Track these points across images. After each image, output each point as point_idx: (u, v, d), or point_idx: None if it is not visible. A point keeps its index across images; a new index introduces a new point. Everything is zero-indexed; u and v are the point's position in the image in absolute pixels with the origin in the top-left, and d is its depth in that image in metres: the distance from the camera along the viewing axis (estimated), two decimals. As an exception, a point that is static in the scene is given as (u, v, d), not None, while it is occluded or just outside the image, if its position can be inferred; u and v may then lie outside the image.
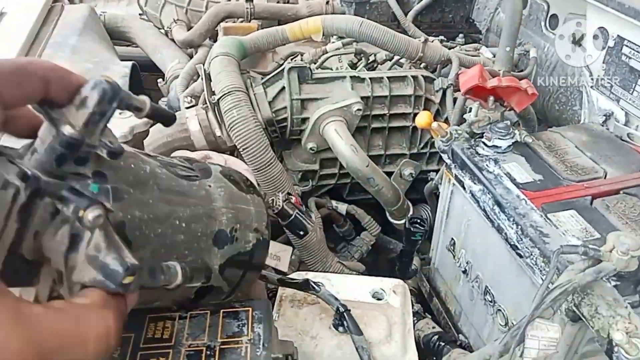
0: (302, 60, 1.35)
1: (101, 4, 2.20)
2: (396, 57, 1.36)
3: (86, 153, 0.36)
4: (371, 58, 1.39)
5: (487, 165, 0.90)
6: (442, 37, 1.51)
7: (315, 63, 1.34)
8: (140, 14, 1.93)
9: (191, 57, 1.64)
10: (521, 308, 0.82)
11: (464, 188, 0.93)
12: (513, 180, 0.86)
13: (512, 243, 0.80)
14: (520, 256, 0.78)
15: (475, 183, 0.89)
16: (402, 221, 1.17)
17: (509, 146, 0.93)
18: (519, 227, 0.78)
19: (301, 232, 0.90)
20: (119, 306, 0.36)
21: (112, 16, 1.92)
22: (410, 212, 1.18)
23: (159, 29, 1.84)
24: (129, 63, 1.52)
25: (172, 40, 1.74)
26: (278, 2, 1.77)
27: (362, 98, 1.15)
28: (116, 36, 1.88)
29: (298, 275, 0.78)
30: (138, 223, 0.40)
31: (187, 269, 0.42)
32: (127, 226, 0.39)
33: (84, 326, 0.32)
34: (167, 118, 0.43)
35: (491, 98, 0.99)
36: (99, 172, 0.37)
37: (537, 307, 0.62)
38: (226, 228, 0.51)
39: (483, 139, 0.95)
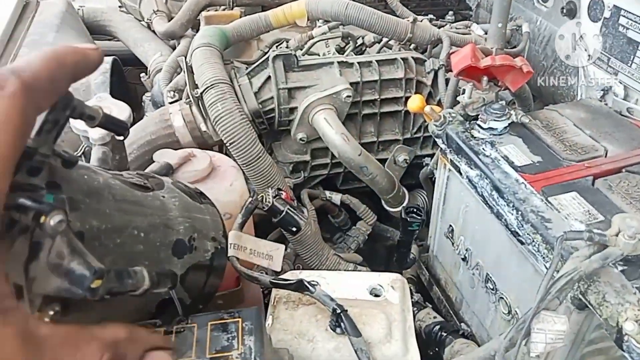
0: (287, 47, 1.30)
1: (80, -3, 2.13)
2: (385, 39, 1.31)
3: (39, 163, 0.34)
4: (359, 41, 1.34)
5: (483, 148, 0.86)
6: (431, 16, 1.46)
7: (301, 49, 1.30)
8: (119, 7, 1.87)
9: (174, 48, 1.58)
10: (524, 296, 0.79)
11: (461, 173, 0.90)
12: (511, 164, 0.82)
13: (512, 229, 0.77)
14: (522, 243, 0.75)
15: (471, 168, 0.86)
16: (398, 209, 1.14)
17: (505, 127, 0.90)
18: (519, 212, 0.74)
19: (294, 229, 0.87)
20: (121, 356, 0.35)
21: (91, 10, 1.86)
22: (406, 200, 1.14)
23: (140, 21, 1.78)
24: (110, 58, 1.47)
25: (154, 32, 1.69)
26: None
27: (351, 84, 1.11)
28: (96, 31, 1.83)
29: (292, 275, 0.75)
30: (96, 233, 0.39)
31: (153, 273, 0.42)
32: (86, 236, 0.38)
33: (79, 357, 0.32)
34: (120, 128, 0.43)
35: (485, 78, 0.95)
36: (53, 182, 0.36)
37: (542, 298, 0.59)
38: (184, 237, 0.50)
39: (478, 122, 0.91)
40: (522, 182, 0.78)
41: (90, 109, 0.38)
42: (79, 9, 1.81)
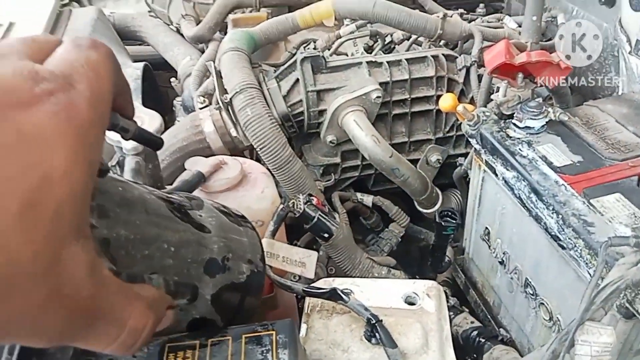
0: (315, 47, 1.29)
1: (110, 4, 2.17)
2: (414, 36, 1.29)
3: None
4: (387, 39, 1.32)
5: (519, 149, 0.83)
6: (461, 10, 1.42)
7: (329, 49, 1.29)
8: (149, 12, 1.89)
9: (203, 51, 1.60)
10: (566, 302, 0.76)
11: (496, 174, 0.87)
12: (550, 164, 0.79)
13: (552, 233, 0.74)
14: (563, 248, 0.72)
15: (508, 169, 0.83)
16: (432, 210, 1.12)
17: (543, 126, 0.87)
18: (560, 216, 0.72)
19: (325, 235, 0.87)
20: (160, 314, 0.37)
21: (122, 16, 1.89)
22: (440, 200, 1.12)
23: (169, 25, 1.80)
24: (141, 64, 1.49)
25: (183, 36, 1.70)
26: (287, -13, 1.71)
27: (380, 84, 1.09)
28: (127, 36, 1.86)
29: (325, 283, 0.74)
30: (124, 242, 0.39)
31: (171, 282, 0.42)
32: (112, 244, 0.38)
33: (128, 312, 0.33)
34: (154, 142, 0.43)
35: (520, 75, 0.92)
36: None
37: (586, 308, 0.57)
38: (217, 257, 0.49)
39: (514, 120, 0.88)
40: (562, 184, 0.76)
41: (125, 121, 0.39)
42: (109, 16, 1.84)
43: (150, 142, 0.44)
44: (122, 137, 0.40)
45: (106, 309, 0.31)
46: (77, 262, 0.28)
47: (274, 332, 0.53)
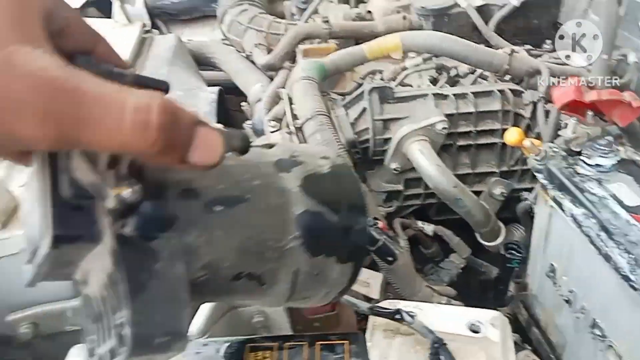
0: (381, 78, 1.34)
1: (187, 32, 2.33)
2: (479, 70, 1.31)
3: None
4: (452, 72, 1.35)
5: (589, 186, 0.83)
6: (528, 46, 1.43)
7: (394, 80, 1.33)
8: (222, 39, 2.01)
9: (271, 79, 1.68)
10: (637, 345, 0.74)
11: (564, 211, 0.87)
12: (621, 203, 0.79)
13: (623, 274, 0.73)
14: (635, 289, 0.71)
15: (576, 206, 0.83)
16: (494, 243, 1.12)
17: (614, 165, 0.86)
18: (632, 256, 0.71)
19: (390, 258, 0.89)
20: (172, 109, 0.32)
21: (198, 43, 2.03)
22: (503, 234, 1.12)
23: (240, 52, 1.90)
24: (216, 89, 1.59)
25: (254, 63, 1.80)
26: (354, 20, 1.78)
27: (446, 115, 1.12)
28: (202, 62, 1.98)
29: (389, 304, 0.77)
30: None
31: None
32: None
33: (124, 95, 0.30)
34: (158, 88, 0.37)
35: (590, 113, 0.92)
36: None
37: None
38: (283, 156, 0.44)
39: (583, 157, 0.88)
40: (634, 224, 0.75)
41: (118, 69, 0.36)
42: (186, 43, 1.97)
43: (154, 88, 0.38)
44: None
45: (89, 96, 0.30)
46: (28, 58, 0.29)
47: (346, 342, 0.57)
